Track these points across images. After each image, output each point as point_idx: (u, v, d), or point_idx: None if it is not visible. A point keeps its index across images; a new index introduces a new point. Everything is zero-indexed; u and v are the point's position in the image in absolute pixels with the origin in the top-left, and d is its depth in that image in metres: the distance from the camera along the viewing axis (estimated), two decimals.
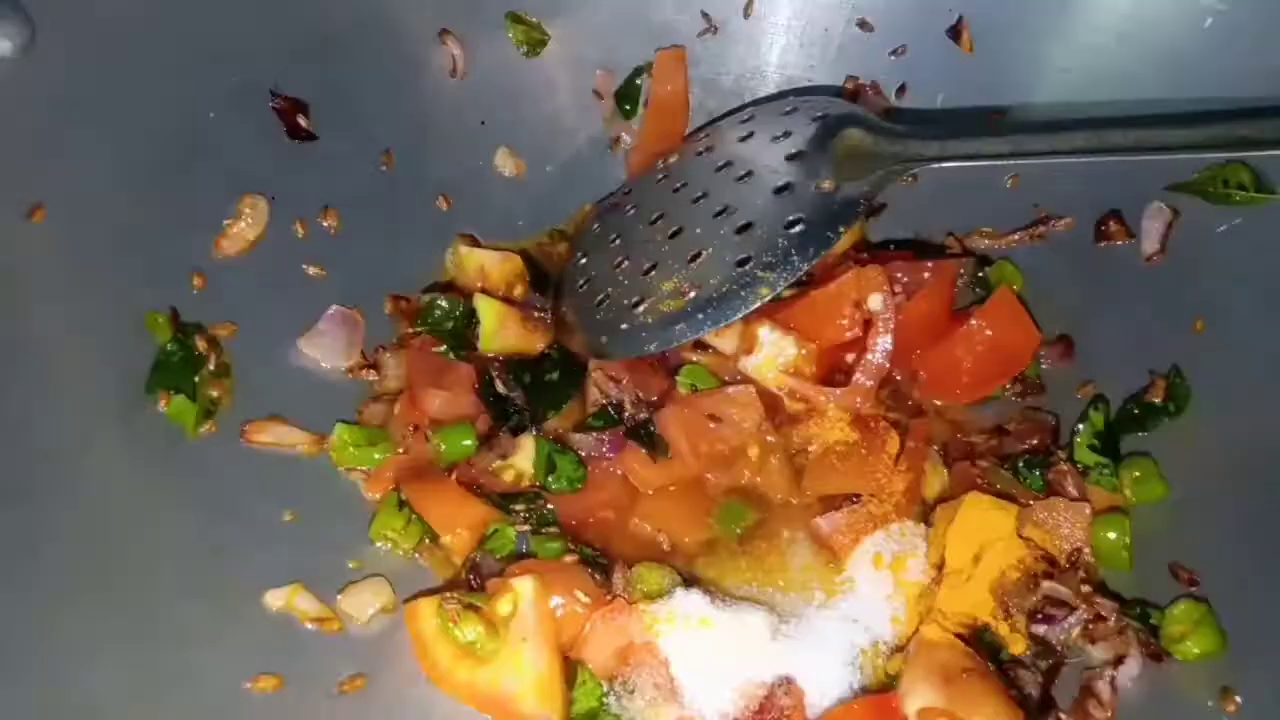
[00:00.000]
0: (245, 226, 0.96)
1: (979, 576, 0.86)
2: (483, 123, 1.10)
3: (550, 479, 0.92)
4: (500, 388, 0.97)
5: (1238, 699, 0.81)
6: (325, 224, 1.02)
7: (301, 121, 1.01)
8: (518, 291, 1.06)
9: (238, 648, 0.81)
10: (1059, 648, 0.85)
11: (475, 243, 1.09)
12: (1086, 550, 0.89)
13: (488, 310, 1.00)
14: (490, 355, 1.01)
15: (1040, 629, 0.85)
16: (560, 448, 0.94)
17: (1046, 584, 0.85)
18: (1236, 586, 0.86)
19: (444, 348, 0.99)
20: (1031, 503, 0.91)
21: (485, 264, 1.05)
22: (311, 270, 1.00)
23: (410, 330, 1.02)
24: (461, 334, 1.01)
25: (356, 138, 1.04)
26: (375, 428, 0.95)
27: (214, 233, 0.95)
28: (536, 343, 1.02)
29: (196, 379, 0.88)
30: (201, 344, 0.90)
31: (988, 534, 0.87)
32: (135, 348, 0.88)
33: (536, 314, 1.04)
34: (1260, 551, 0.87)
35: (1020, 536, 0.89)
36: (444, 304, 1.01)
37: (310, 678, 0.81)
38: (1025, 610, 0.85)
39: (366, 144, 1.05)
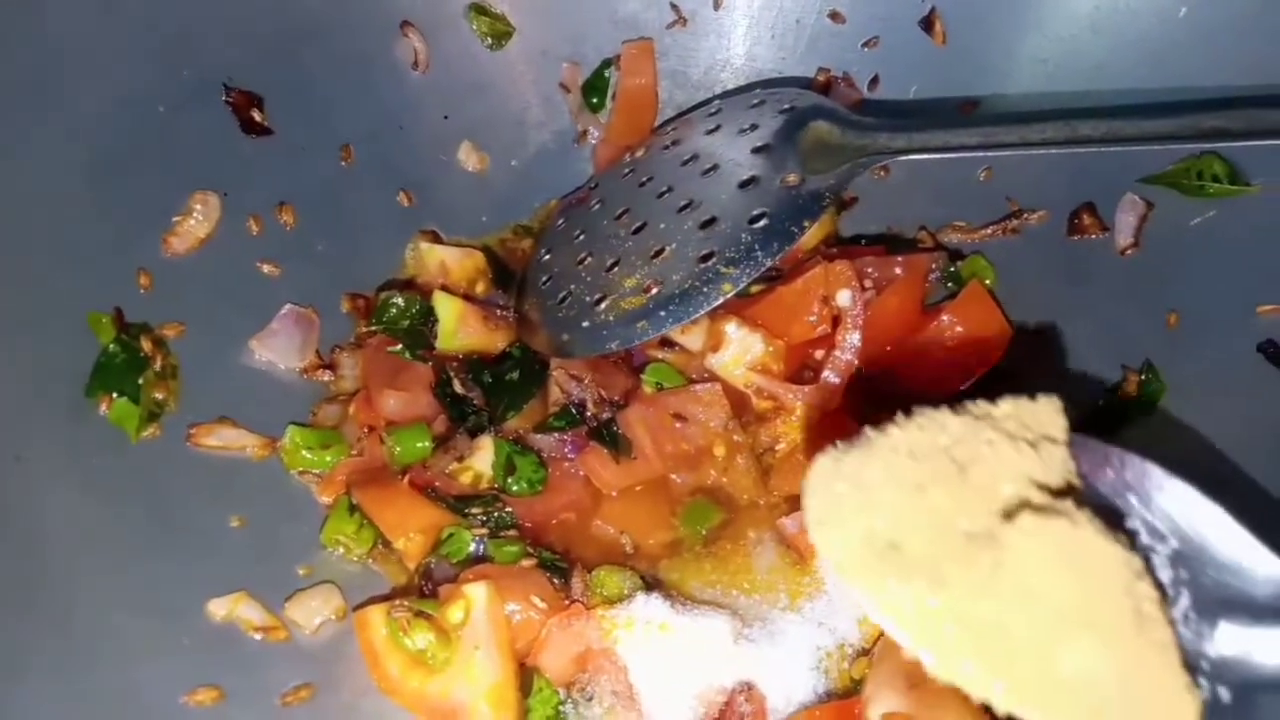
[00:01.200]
0: (196, 223, 0.94)
1: None
2: (446, 117, 1.08)
3: (510, 481, 0.90)
4: (458, 387, 0.95)
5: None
6: (281, 220, 1.00)
7: (256, 115, 0.98)
8: (480, 288, 1.04)
9: (176, 659, 0.78)
10: None
11: (437, 239, 1.07)
12: None
13: (446, 308, 0.97)
14: (450, 354, 0.98)
15: None
16: (520, 449, 0.92)
17: None
18: None
19: (400, 347, 0.96)
20: None
21: (446, 260, 1.03)
22: (266, 268, 0.98)
23: (366, 330, 0.99)
24: (418, 332, 0.98)
25: (314, 132, 1.02)
26: (329, 429, 0.93)
27: (163, 230, 0.93)
28: (498, 341, 1.00)
29: (140, 381, 0.86)
30: (147, 345, 0.87)
31: None
32: (77, 350, 0.85)
33: (499, 312, 1.01)
34: None
35: None
36: (399, 301, 0.99)
37: (253, 690, 0.79)
38: None
39: (325, 138, 1.03)
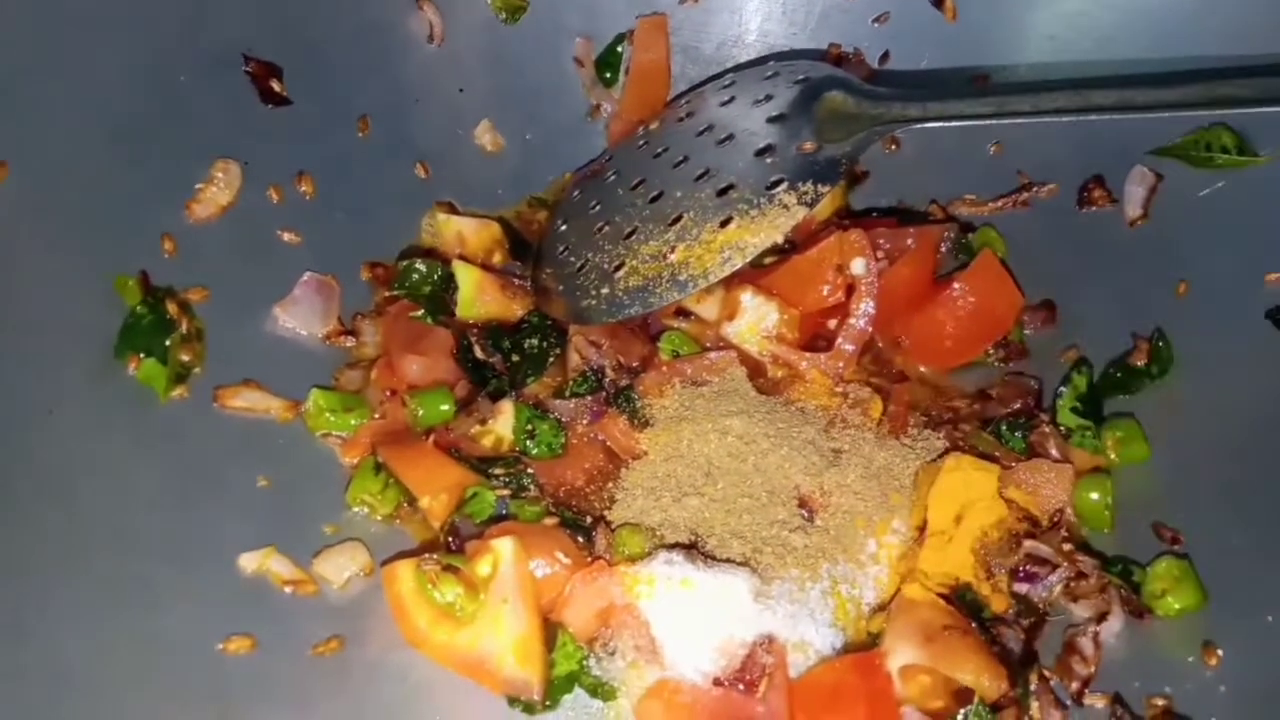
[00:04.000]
0: (217, 191, 0.95)
1: (960, 537, 0.86)
2: (461, 90, 1.09)
3: (530, 444, 0.91)
4: (479, 353, 0.96)
5: (1219, 652, 0.81)
6: (300, 190, 1.01)
7: (275, 86, 0.99)
8: (496, 259, 1.05)
9: (209, 610, 0.79)
10: (1041, 605, 0.85)
11: (453, 210, 1.07)
12: (1069, 510, 0.89)
13: (466, 276, 0.98)
14: (468, 321, 0.99)
15: (1022, 587, 0.85)
16: (540, 413, 0.93)
17: (1028, 543, 0.85)
18: (1217, 543, 0.86)
19: (421, 312, 0.97)
20: (1014, 464, 0.91)
21: (463, 231, 1.04)
22: (286, 236, 0.99)
23: (387, 295, 1.00)
24: (439, 298, 0.99)
25: (332, 104, 1.03)
26: (351, 393, 0.94)
27: (185, 197, 0.94)
28: (515, 309, 1.01)
29: (167, 342, 0.87)
30: (172, 308, 0.88)
31: (969, 495, 0.87)
32: (105, 312, 0.86)
33: (516, 280, 1.02)
34: (1240, 509, 0.87)
35: (1002, 498, 0.88)
36: (422, 267, 1.00)
37: (285, 640, 0.80)
38: (1007, 569, 0.85)
39: (342, 110, 1.04)
